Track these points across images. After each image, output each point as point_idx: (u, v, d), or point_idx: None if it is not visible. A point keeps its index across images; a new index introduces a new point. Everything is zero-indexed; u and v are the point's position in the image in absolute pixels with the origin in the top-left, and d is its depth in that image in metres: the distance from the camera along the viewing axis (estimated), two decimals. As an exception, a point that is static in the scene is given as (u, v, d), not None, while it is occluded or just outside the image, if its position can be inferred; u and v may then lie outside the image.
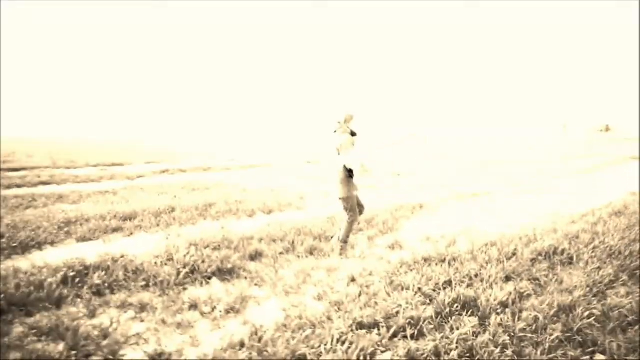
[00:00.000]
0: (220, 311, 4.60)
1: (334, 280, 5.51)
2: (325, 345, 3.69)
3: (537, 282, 5.26)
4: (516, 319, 4.18)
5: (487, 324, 4.16)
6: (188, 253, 6.03)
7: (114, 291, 5.10)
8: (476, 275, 5.39)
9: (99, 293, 5.04)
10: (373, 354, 3.64)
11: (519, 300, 4.69)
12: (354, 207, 6.62)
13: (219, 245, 6.66)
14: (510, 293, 4.75)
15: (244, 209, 9.90)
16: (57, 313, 4.44)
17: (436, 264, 5.80)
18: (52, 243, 7.16)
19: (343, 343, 3.74)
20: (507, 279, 5.37)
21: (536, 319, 4.20)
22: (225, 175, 18.25)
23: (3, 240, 6.94)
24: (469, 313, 4.41)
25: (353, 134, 6.84)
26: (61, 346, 3.80)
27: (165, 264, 5.78)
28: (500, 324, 4.11)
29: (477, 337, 3.92)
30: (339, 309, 4.54)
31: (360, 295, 4.83)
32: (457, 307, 4.49)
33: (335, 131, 6.56)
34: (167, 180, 16.51)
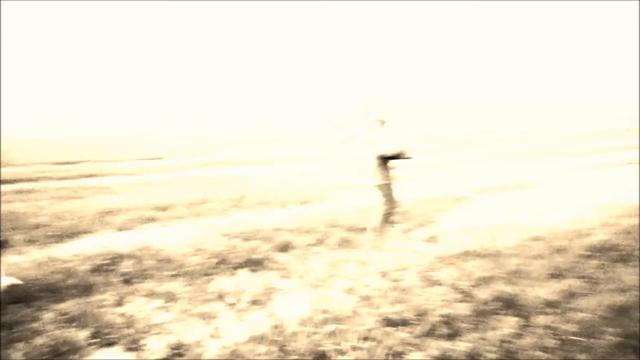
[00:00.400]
0: (245, 303, 4.46)
1: (364, 273, 5.27)
2: (349, 342, 3.47)
3: (587, 280, 4.83)
4: (563, 320, 3.82)
5: (530, 325, 3.81)
6: (216, 244, 5.95)
7: (142, 280, 5.07)
8: (519, 272, 5.02)
9: (128, 281, 5.01)
10: (401, 353, 3.39)
11: (567, 299, 4.30)
12: (390, 196, 6.39)
13: (249, 236, 6.55)
14: (556, 291, 4.37)
15: (277, 200, 9.79)
16: (85, 300, 4.43)
17: (475, 259, 5.46)
18: (89, 232, 7.27)
19: (368, 340, 3.51)
20: (554, 276, 4.96)
21: (587, 320, 3.82)
22: (260, 167, 18.29)
23: (45, 229, 7.12)
24: (511, 312, 4.07)
25: (382, 121, 6.59)
26: (85, 333, 3.76)
27: (194, 254, 5.71)
28: (545, 325, 3.76)
29: (519, 339, 3.60)
30: (367, 304, 4.30)
31: (390, 290, 4.57)
32: (497, 305, 4.16)
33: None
34: (204, 172, 16.70)
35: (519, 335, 3.65)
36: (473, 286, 4.64)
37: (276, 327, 3.80)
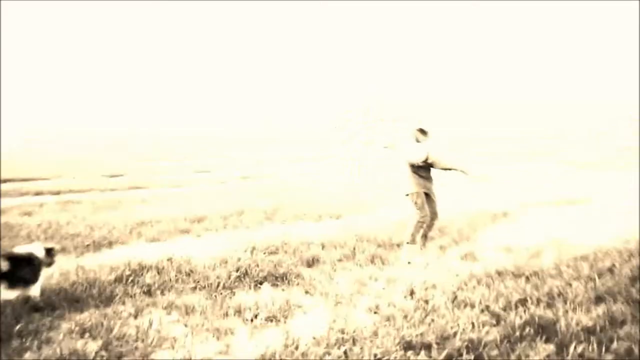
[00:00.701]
0: (262, 319, 4.31)
1: (391, 292, 5.01)
2: (362, 365, 3.24)
3: (634, 305, 4.37)
4: (603, 350, 3.43)
5: (564, 354, 3.45)
6: (240, 258, 5.85)
7: (163, 292, 5.03)
8: (559, 294, 4.61)
9: (148, 293, 4.99)
10: (416, 381, 3.12)
11: (610, 326, 3.89)
12: (422, 206, 6.22)
13: (277, 250, 6.43)
14: (599, 317, 3.96)
15: (311, 212, 9.66)
16: (103, 311, 4.42)
17: (511, 279, 5.08)
18: (121, 243, 7.38)
19: (382, 364, 3.27)
20: (599, 299, 4.53)
21: (630, 351, 3.42)
22: (297, 177, 18.27)
23: (79, 239, 7.28)
24: (545, 339, 3.71)
25: (422, 131, 6.45)
26: (96, 344, 3.72)
27: (219, 268, 5.63)
28: (581, 355, 3.39)
29: (550, 369, 3.25)
30: (389, 324, 4.05)
31: (415, 310, 4.30)
32: (530, 330, 3.81)
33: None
34: (243, 184, 16.86)
35: (551, 366, 3.31)
36: (506, 309, 4.30)
37: (287, 346, 3.61)
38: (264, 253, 6.24)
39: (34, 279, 4.44)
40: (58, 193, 14.50)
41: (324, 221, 9.31)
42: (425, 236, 6.78)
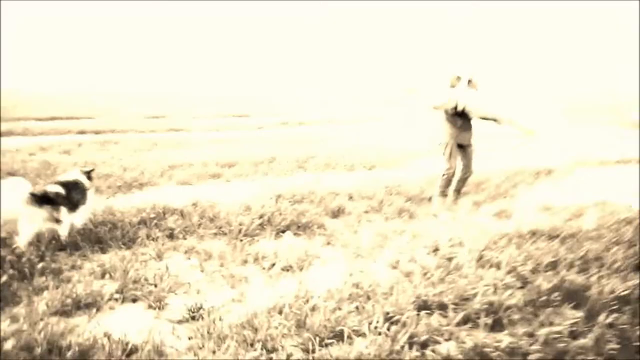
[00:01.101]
0: (279, 269, 4.25)
1: (416, 246, 4.82)
2: (371, 323, 3.12)
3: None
4: (637, 322, 3.17)
5: (593, 324, 3.21)
6: (264, 205, 5.78)
7: (185, 236, 5.05)
8: (596, 259, 4.30)
9: (171, 236, 5.02)
10: (426, 343, 2.99)
11: (646, 297, 3.59)
12: (448, 158, 5.93)
13: (302, 199, 6.33)
14: (636, 286, 3.66)
15: (344, 163, 9.46)
16: (124, 253, 4.48)
17: (545, 240, 4.79)
18: (152, 184, 7.48)
19: (392, 323, 3.14)
20: (639, 268, 4.19)
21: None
22: (334, 128, 17.93)
23: (112, 179, 7.42)
24: (574, 306, 3.47)
25: (458, 77, 6.06)
26: (113, 287, 3.78)
27: (242, 214, 5.59)
28: (611, 325, 3.15)
29: (575, 338, 3.04)
30: (407, 281, 3.90)
31: (437, 268, 4.11)
32: (558, 296, 3.57)
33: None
34: (280, 131, 16.75)
35: (576, 334, 3.09)
36: (535, 272, 4.05)
37: (298, 298, 3.54)
38: (290, 201, 6.16)
39: (83, 200, 4.89)
40: (99, 133, 14.87)
41: (357, 171, 9.09)
42: (458, 191, 6.49)
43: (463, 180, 6.39)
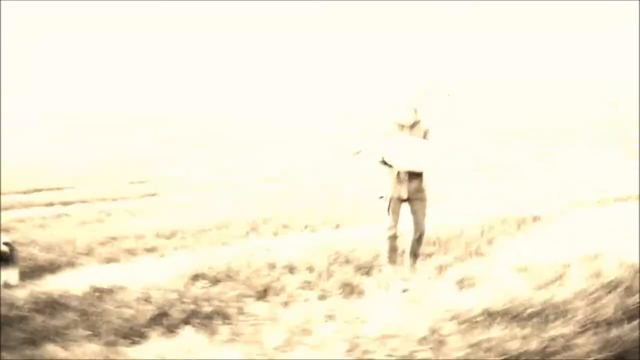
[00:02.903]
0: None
1: (338, 340, 3.71)
2: None
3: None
4: None
5: None
6: (175, 288, 4.77)
7: (53, 339, 4.00)
8: (565, 349, 3.16)
9: (32, 342, 3.98)
10: None
11: None
12: (387, 214, 4.96)
13: (227, 276, 5.31)
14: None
15: (307, 222, 8.48)
16: None
17: (504, 322, 3.67)
18: (72, 265, 6.53)
19: None
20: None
21: None
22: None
23: (25, 264, 6.49)
24: None
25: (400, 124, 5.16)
26: None
27: (140, 303, 4.56)
28: None
29: None
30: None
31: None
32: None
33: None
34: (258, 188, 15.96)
35: None
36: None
37: None
38: (210, 281, 5.14)
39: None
40: (67, 204, 14.08)
41: (319, 232, 8.09)
42: (414, 254, 5.42)
43: (416, 241, 5.33)
